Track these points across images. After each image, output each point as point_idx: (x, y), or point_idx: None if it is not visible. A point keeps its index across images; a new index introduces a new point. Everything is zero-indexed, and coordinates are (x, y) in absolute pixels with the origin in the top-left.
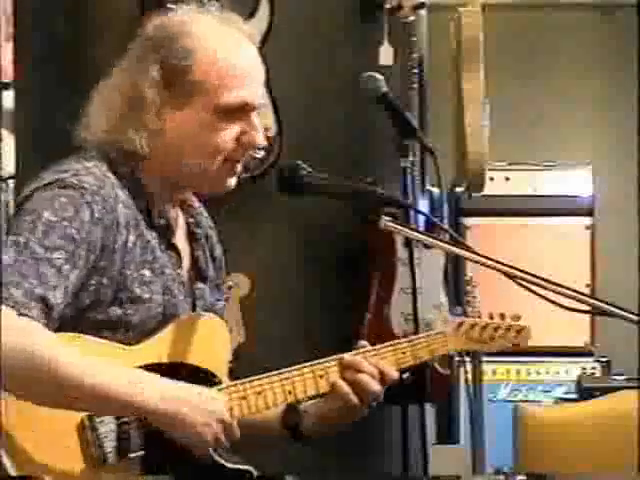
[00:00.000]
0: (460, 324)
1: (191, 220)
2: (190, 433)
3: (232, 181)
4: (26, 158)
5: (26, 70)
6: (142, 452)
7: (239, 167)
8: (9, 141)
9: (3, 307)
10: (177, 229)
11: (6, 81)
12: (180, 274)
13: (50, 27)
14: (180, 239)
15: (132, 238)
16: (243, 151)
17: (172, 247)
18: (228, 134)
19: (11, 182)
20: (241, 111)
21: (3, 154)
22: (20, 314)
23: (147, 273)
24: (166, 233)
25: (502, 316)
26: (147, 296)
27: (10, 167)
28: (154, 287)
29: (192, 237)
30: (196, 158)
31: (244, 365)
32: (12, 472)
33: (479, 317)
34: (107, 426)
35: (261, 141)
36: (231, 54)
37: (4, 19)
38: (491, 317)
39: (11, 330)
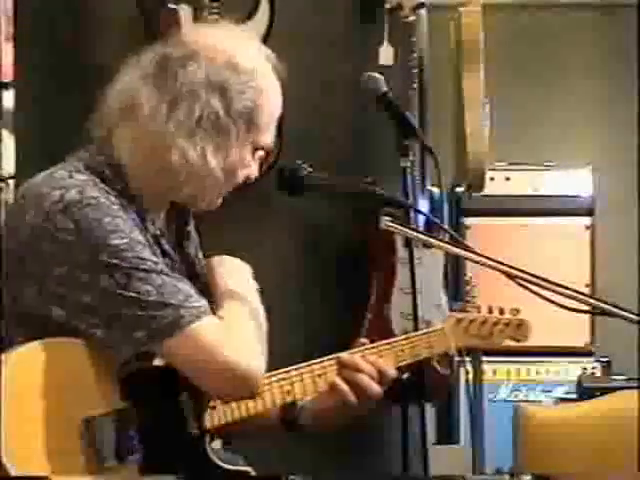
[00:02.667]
0: (459, 320)
1: (181, 219)
2: None
3: (219, 200)
4: (26, 158)
5: (26, 70)
6: (140, 455)
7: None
8: (9, 141)
9: (195, 325)
10: (168, 232)
11: (6, 81)
12: None
13: (50, 27)
14: (171, 241)
15: None
16: (237, 181)
17: (165, 254)
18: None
19: (11, 182)
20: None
21: (3, 154)
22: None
23: None
24: (159, 240)
25: (501, 311)
26: None
27: (10, 167)
28: None
29: (182, 236)
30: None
31: None
32: (12, 472)
33: (478, 311)
34: (106, 429)
35: (255, 176)
36: (270, 98)
37: (4, 19)
38: (490, 311)
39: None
